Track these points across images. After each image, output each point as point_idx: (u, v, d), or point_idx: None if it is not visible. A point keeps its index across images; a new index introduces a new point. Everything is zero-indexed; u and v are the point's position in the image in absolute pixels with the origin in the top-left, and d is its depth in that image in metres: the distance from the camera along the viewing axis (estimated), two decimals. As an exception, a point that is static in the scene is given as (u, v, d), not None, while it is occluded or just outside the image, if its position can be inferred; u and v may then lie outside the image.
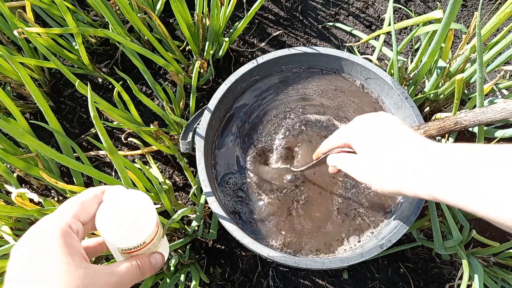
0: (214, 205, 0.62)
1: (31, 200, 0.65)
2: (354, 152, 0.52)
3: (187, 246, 0.74)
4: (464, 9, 1.04)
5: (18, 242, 0.34)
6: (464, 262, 0.61)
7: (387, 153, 0.46)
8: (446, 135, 0.78)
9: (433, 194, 0.40)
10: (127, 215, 0.39)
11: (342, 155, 0.54)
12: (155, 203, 0.77)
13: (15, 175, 0.82)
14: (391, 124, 0.48)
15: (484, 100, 0.77)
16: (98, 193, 0.40)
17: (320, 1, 1.05)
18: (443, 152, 0.41)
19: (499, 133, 0.72)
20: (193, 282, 0.69)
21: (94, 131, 0.90)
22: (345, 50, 0.99)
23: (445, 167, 0.39)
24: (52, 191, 0.84)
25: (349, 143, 0.52)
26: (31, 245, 0.33)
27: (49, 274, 0.31)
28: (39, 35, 0.77)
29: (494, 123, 0.78)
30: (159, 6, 0.92)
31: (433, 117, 0.82)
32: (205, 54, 0.86)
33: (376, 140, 0.48)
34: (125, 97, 0.70)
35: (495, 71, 0.95)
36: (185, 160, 0.82)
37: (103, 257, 0.76)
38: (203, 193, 0.64)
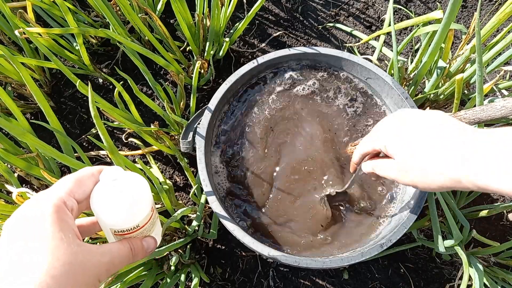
0: (215, 205, 0.62)
1: (32, 200, 0.65)
2: (386, 156, 0.51)
3: (188, 246, 0.74)
4: (464, 9, 1.04)
5: (11, 216, 0.34)
6: (464, 262, 0.61)
7: (427, 148, 0.44)
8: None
9: (486, 182, 0.38)
10: (123, 197, 0.38)
11: (378, 161, 0.53)
12: (155, 203, 0.77)
13: (16, 175, 0.82)
14: (421, 120, 0.47)
15: (484, 100, 0.77)
16: (95, 172, 0.39)
17: (320, 2, 1.05)
18: (491, 139, 0.39)
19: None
20: (194, 282, 0.69)
21: (94, 131, 0.91)
22: (345, 50, 0.99)
23: (498, 153, 0.37)
24: (52, 191, 0.84)
25: (379, 148, 0.51)
26: (23, 219, 0.33)
27: (40, 248, 0.31)
28: (40, 35, 0.77)
29: (494, 122, 0.78)
30: (159, 6, 0.92)
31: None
32: (205, 54, 0.87)
33: (410, 140, 0.46)
34: (126, 97, 0.70)
35: (495, 72, 0.95)
36: (186, 160, 0.82)
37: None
38: (204, 192, 0.64)
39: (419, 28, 0.73)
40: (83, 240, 0.37)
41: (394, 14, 1.03)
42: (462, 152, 0.40)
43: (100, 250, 0.36)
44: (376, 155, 0.56)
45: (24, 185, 0.85)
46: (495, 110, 0.49)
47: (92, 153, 0.86)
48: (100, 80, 0.96)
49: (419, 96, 0.79)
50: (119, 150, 0.89)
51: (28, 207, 0.34)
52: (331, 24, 1.02)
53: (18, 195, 0.60)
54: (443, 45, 0.72)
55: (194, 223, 0.72)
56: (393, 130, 0.49)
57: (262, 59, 0.73)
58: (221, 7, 0.83)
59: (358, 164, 0.59)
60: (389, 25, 0.79)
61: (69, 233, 0.33)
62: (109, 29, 0.83)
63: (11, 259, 0.31)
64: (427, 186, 0.45)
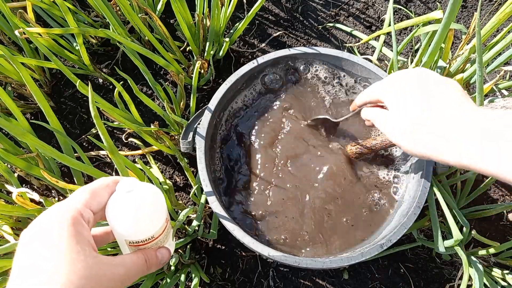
0: (215, 205, 0.62)
1: (32, 200, 0.65)
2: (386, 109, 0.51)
3: (188, 246, 0.74)
4: (464, 9, 1.04)
5: (29, 226, 0.34)
6: (464, 262, 0.61)
7: (425, 114, 0.43)
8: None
9: (474, 162, 0.37)
10: (138, 208, 0.38)
11: (376, 110, 0.53)
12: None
13: (16, 175, 0.82)
14: (429, 82, 0.46)
15: (484, 100, 0.77)
16: (110, 183, 0.39)
17: (320, 2, 1.05)
18: (486, 118, 0.38)
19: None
20: (194, 282, 0.69)
21: (94, 131, 0.91)
22: (345, 50, 0.99)
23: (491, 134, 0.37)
24: (52, 191, 0.84)
25: (382, 99, 0.50)
26: (41, 231, 0.33)
27: (58, 263, 0.31)
28: (40, 35, 0.77)
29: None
30: (159, 6, 0.92)
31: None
32: (205, 54, 0.87)
33: (412, 99, 0.45)
34: (126, 97, 0.70)
35: (495, 72, 0.95)
36: (186, 160, 0.82)
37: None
38: (204, 192, 0.64)
39: (419, 28, 0.73)
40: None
41: (394, 14, 1.03)
42: (482, 138, 0.38)
43: (115, 262, 0.36)
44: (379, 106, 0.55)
45: (24, 185, 0.85)
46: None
47: (92, 153, 0.86)
48: (100, 80, 0.96)
49: (419, 96, 0.79)
50: (119, 150, 0.89)
51: (46, 218, 0.34)
52: (331, 24, 1.02)
53: (18, 195, 0.60)
54: (443, 45, 0.72)
55: (194, 223, 0.72)
56: (411, 85, 0.47)
57: (262, 59, 0.73)
58: (221, 7, 0.83)
59: (358, 106, 0.59)
60: (389, 25, 0.79)
61: (86, 246, 0.33)
62: (109, 29, 0.83)
63: (28, 271, 0.31)
64: (426, 152, 0.43)
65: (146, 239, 0.40)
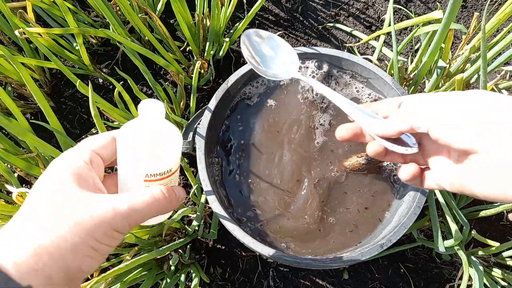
0: (215, 205, 0.62)
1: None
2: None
3: (188, 246, 0.74)
4: (464, 9, 1.04)
5: (41, 176, 0.33)
6: (464, 262, 0.61)
7: None
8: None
9: None
10: (161, 135, 0.35)
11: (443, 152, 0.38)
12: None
13: (16, 175, 0.82)
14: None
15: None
16: (116, 135, 0.36)
17: (320, 2, 1.05)
18: None
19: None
20: (194, 282, 0.69)
21: (94, 131, 0.91)
22: (345, 50, 0.99)
23: None
24: (52, 191, 0.84)
25: (436, 134, 0.34)
26: (49, 181, 0.32)
27: (60, 214, 0.30)
28: (40, 35, 0.77)
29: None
30: (159, 6, 0.92)
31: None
32: (205, 54, 0.87)
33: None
34: (126, 97, 0.70)
35: (495, 71, 0.95)
36: (186, 160, 0.82)
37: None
38: (204, 192, 0.64)
39: (419, 28, 0.73)
40: None
41: (394, 14, 1.03)
42: None
43: (131, 202, 0.32)
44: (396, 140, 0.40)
45: (24, 185, 0.85)
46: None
47: (92, 153, 0.86)
48: (100, 80, 0.96)
49: (419, 96, 0.79)
50: (119, 150, 0.89)
51: (54, 169, 0.33)
52: (331, 24, 1.02)
53: (18, 195, 0.60)
54: (443, 45, 0.72)
55: (194, 223, 0.72)
56: (477, 115, 0.33)
57: (262, 59, 0.73)
58: (221, 7, 0.83)
59: (383, 136, 0.40)
60: (389, 25, 0.79)
61: (92, 190, 0.32)
62: (109, 29, 0.84)
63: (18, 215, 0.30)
64: None
65: (165, 172, 0.36)
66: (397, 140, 0.40)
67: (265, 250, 0.58)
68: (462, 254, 0.63)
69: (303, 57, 0.75)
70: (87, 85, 0.58)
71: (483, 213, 0.70)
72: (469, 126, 0.32)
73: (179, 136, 0.37)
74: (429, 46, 0.69)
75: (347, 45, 1.00)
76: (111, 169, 0.84)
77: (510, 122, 0.31)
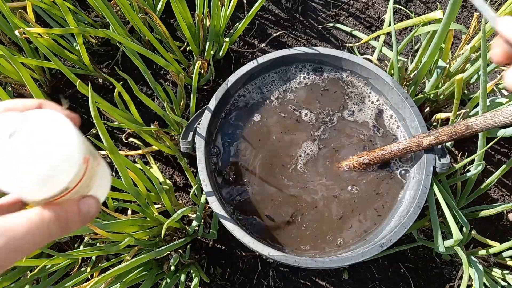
0: (215, 205, 0.62)
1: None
2: None
3: (188, 246, 0.74)
4: (464, 9, 1.04)
5: None
6: (464, 262, 0.61)
7: None
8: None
9: None
10: (36, 152, 0.25)
11: None
12: (155, 203, 0.77)
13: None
14: None
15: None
16: None
17: (320, 2, 1.05)
18: None
19: (500, 132, 0.72)
20: (194, 282, 0.69)
21: (94, 131, 0.91)
22: (345, 50, 0.99)
23: None
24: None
25: None
26: None
27: None
28: (40, 35, 0.77)
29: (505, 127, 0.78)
30: (159, 6, 0.92)
31: (433, 117, 0.82)
32: (205, 54, 0.87)
33: None
34: (126, 97, 0.70)
35: (495, 71, 0.95)
36: (186, 160, 0.82)
37: (103, 257, 0.76)
38: (204, 192, 0.64)
39: (419, 28, 0.73)
40: None
41: (394, 14, 1.03)
42: None
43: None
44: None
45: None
46: (506, 116, 0.49)
47: (92, 153, 0.85)
48: (100, 80, 0.96)
49: (419, 96, 0.79)
50: (119, 150, 0.89)
51: None
52: (331, 24, 1.02)
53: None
54: (443, 45, 0.72)
55: (194, 223, 0.72)
56: None
57: (262, 59, 0.73)
58: (221, 7, 0.83)
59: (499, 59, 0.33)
60: (389, 25, 0.79)
61: None
62: (109, 29, 0.83)
63: None
64: None
65: (56, 194, 0.27)
66: None
67: (265, 250, 0.58)
68: (462, 254, 0.63)
69: (303, 57, 0.75)
70: (87, 85, 0.58)
71: (483, 213, 0.70)
72: None
73: (70, 139, 0.26)
74: (429, 46, 0.69)
75: (347, 45, 1.00)
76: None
77: None
